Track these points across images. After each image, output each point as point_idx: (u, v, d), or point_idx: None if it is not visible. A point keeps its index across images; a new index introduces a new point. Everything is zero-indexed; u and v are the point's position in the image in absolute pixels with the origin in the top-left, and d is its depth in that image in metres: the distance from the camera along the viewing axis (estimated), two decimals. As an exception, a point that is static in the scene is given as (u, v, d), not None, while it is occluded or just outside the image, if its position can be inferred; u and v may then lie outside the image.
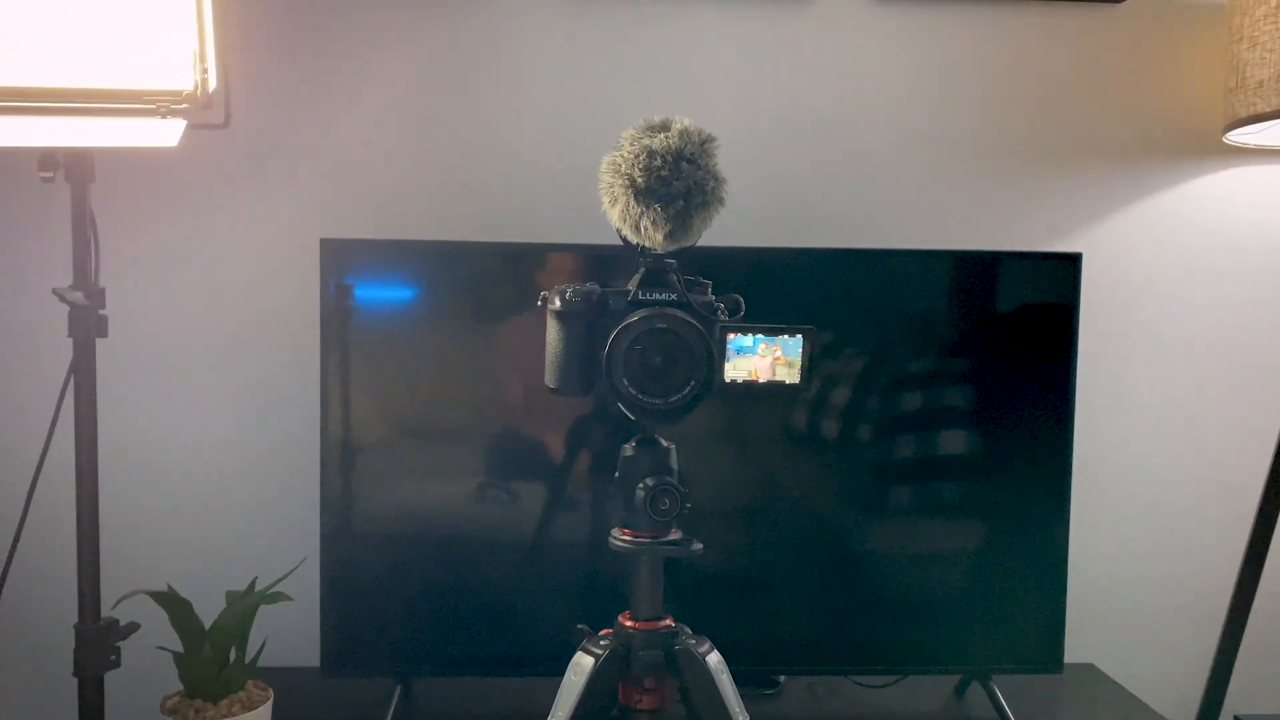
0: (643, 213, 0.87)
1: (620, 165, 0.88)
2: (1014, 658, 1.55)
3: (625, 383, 0.89)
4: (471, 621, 1.46)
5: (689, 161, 0.87)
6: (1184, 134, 1.74)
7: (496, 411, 1.48)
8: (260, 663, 1.40)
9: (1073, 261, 1.52)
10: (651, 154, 0.86)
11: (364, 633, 1.47)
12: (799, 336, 0.96)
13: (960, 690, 1.63)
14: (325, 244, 1.43)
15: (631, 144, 0.89)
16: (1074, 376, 1.52)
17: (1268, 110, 1.49)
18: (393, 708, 1.47)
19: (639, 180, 0.87)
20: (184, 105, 1.01)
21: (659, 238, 0.89)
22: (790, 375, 0.97)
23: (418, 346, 1.45)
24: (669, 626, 0.97)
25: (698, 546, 0.95)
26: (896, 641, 1.53)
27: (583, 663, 0.95)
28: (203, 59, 1.02)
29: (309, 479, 1.51)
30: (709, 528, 1.35)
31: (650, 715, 0.96)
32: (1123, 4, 1.72)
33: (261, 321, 1.65)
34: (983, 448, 1.53)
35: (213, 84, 1.01)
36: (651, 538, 0.95)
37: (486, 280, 1.46)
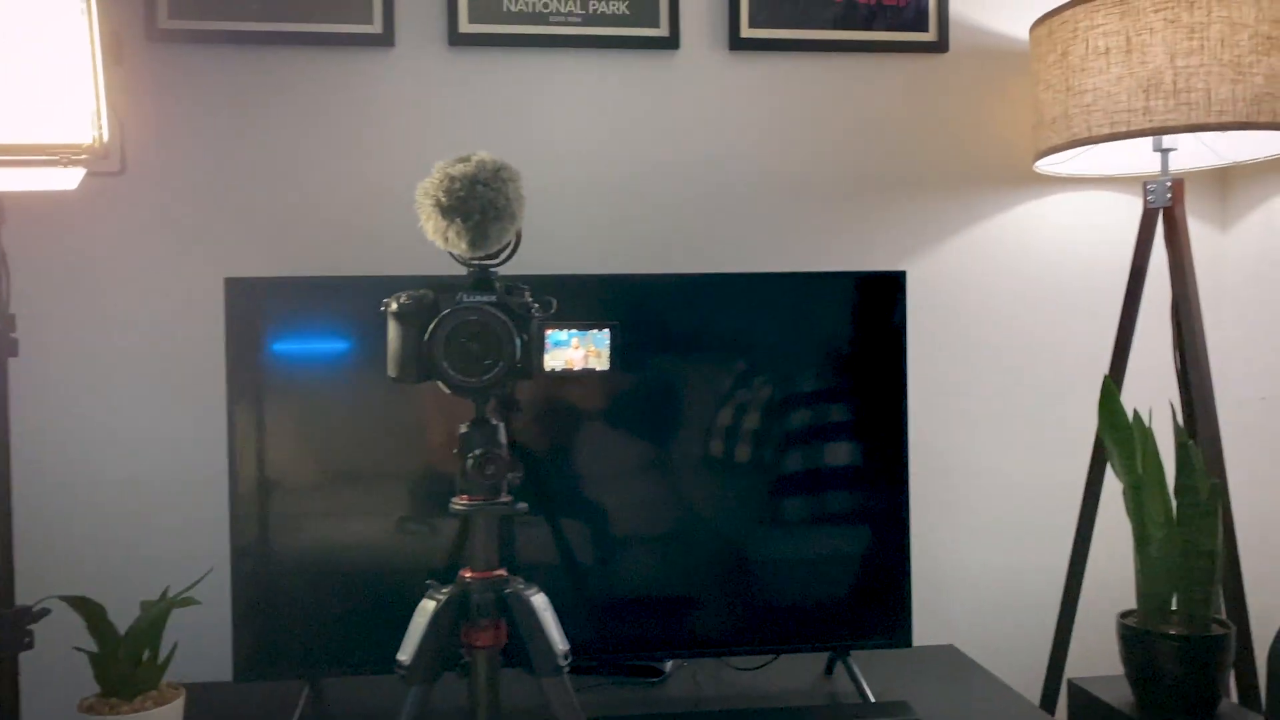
0: (448, 226, 1.07)
1: (429, 189, 1.09)
2: (868, 635, 1.71)
3: (445, 365, 1.07)
4: (376, 622, 1.58)
5: (483, 184, 1.07)
6: (1002, 166, 1.97)
7: (394, 432, 1.61)
8: (176, 676, 1.52)
9: (898, 279, 1.71)
10: (452, 179, 1.07)
11: (273, 637, 1.58)
12: (606, 330, 1.15)
13: (828, 670, 1.78)
14: (230, 282, 1.58)
15: (438, 172, 1.09)
16: (905, 384, 1.69)
17: (1060, 143, 1.71)
18: (300, 708, 1.58)
19: (442, 200, 1.07)
20: (83, 156, 1.18)
21: (463, 246, 1.08)
22: (600, 363, 1.16)
23: (320, 376, 1.59)
24: (501, 575, 1.14)
25: (522, 506, 1.12)
26: (767, 627, 1.68)
27: (426, 606, 1.11)
28: (99, 116, 1.20)
29: (219, 496, 1.66)
30: (615, 548, 1.53)
31: (488, 651, 1.12)
32: (947, 54, 1.95)
33: (166, 346, 1.78)
34: (828, 454, 1.69)
35: (107, 137, 1.19)
36: (484, 499, 1.12)
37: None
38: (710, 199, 1.90)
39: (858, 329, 1.69)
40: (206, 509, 1.76)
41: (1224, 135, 1.72)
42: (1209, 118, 1.56)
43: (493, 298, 1.11)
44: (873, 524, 1.70)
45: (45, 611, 1.25)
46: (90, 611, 1.46)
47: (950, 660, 1.84)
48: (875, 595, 1.70)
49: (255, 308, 1.56)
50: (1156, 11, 1.58)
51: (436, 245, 1.10)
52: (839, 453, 1.69)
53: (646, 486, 1.66)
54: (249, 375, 1.56)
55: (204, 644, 1.70)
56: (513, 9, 1.84)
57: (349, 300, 1.59)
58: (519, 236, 1.15)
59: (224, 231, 1.80)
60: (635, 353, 1.59)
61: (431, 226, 1.08)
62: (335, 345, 1.59)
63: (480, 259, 1.12)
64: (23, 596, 1.32)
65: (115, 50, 1.17)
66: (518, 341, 1.09)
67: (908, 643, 1.70)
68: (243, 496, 1.56)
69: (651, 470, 1.66)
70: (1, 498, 1.20)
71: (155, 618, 1.51)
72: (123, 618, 1.48)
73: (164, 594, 1.55)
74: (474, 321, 1.08)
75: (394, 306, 1.11)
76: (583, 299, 1.60)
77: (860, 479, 1.69)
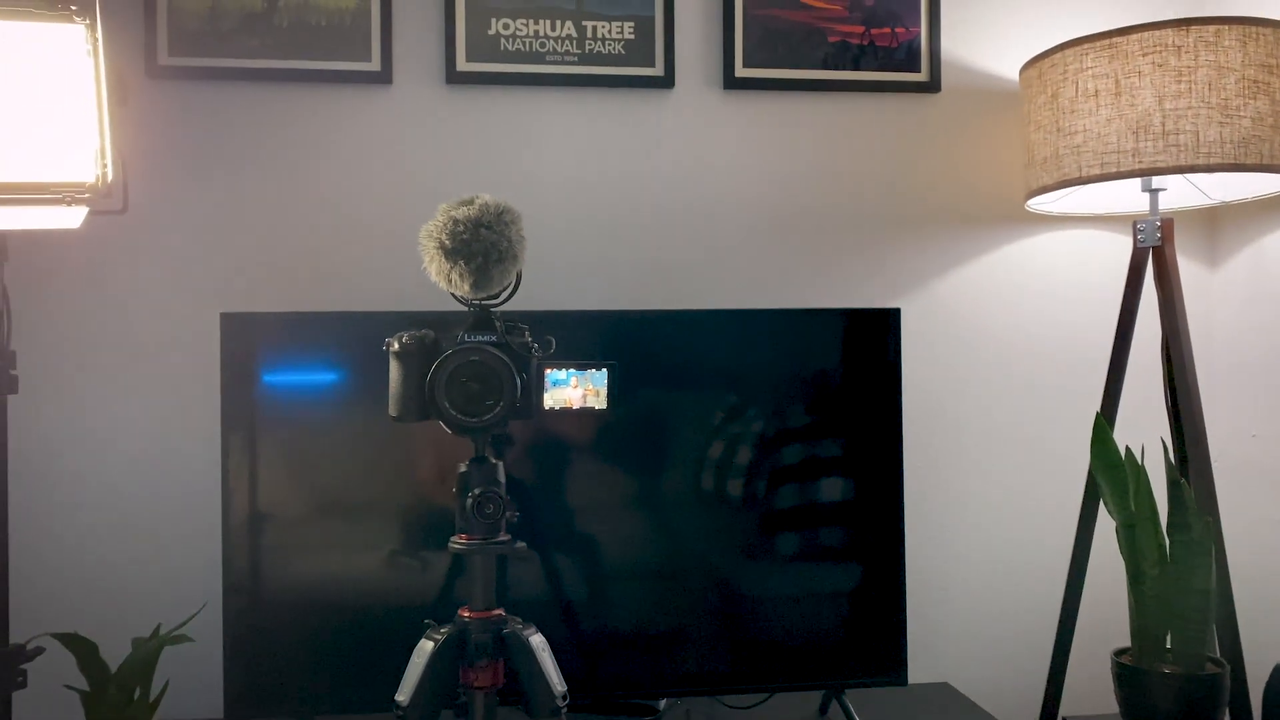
0: (451, 268, 1.08)
1: (433, 231, 1.10)
2: (864, 673, 1.71)
3: (446, 404, 1.08)
4: (369, 660, 1.57)
5: (486, 227, 1.08)
6: (994, 204, 1.99)
7: (387, 467, 1.61)
8: (167, 715, 1.52)
9: (893, 315, 1.73)
10: (455, 222, 1.08)
11: (266, 675, 1.57)
12: (604, 370, 1.16)
13: (823, 709, 1.77)
14: (225, 317, 1.59)
15: (442, 215, 1.10)
16: (900, 420, 1.71)
17: (1051, 183, 1.74)
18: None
19: (446, 242, 1.08)
20: (86, 195, 1.19)
21: (466, 288, 1.09)
22: (598, 402, 1.16)
23: (315, 411, 1.60)
24: (499, 615, 1.14)
25: (520, 545, 1.12)
26: (762, 665, 1.68)
27: (425, 647, 1.11)
28: (103, 155, 1.21)
29: (211, 533, 1.65)
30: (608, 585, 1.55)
31: (486, 691, 1.12)
32: (939, 94, 1.98)
33: (164, 383, 1.78)
34: (825, 491, 1.70)
35: (110, 176, 1.20)
36: (482, 539, 1.12)
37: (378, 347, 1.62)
38: (705, 236, 1.91)
39: (853, 365, 1.71)
40: (200, 544, 1.76)
41: (1212, 176, 1.75)
42: (1198, 160, 1.58)
43: (493, 337, 1.12)
44: (868, 561, 1.70)
45: (39, 650, 1.25)
46: (82, 649, 1.45)
47: (945, 698, 1.84)
48: (871, 633, 1.70)
49: (251, 343, 1.57)
50: (1145, 55, 1.61)
51: (440, 285, 1.10)
52: (835, 489, 1.70)
53: (640, 522, 1.66)
54: (243, 410, 1.57)
55: (196, 681, 1.68)
56: (510, 47, 1.86)
57: (344, 335, 1.60)
58: (519, 276, 1.16)
59: (221, 266, 1.80)
60: (631, 388, 1.59)
61: (435, 268, 1.09)
62: (329, 380, 1.59)
63: (481, 299, 1.12)
64: (15, 632, 1.31)
65: (120, 91, 1.18)
66: (518, 381, 1.10)
67: (903, 681, 1.71)
68: (235, 532, 1.56)
69: (645, 506, 1.66)
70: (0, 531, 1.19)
71: (147, 655, 1.50)
72: (115, 654, 1.47)
73: (156, 631, 1.54)
74: (475, 362, 1.09)
75: (395, 346, 1.12)
76: (578, 335, 1.61)
77: (856, 516, 1.70)
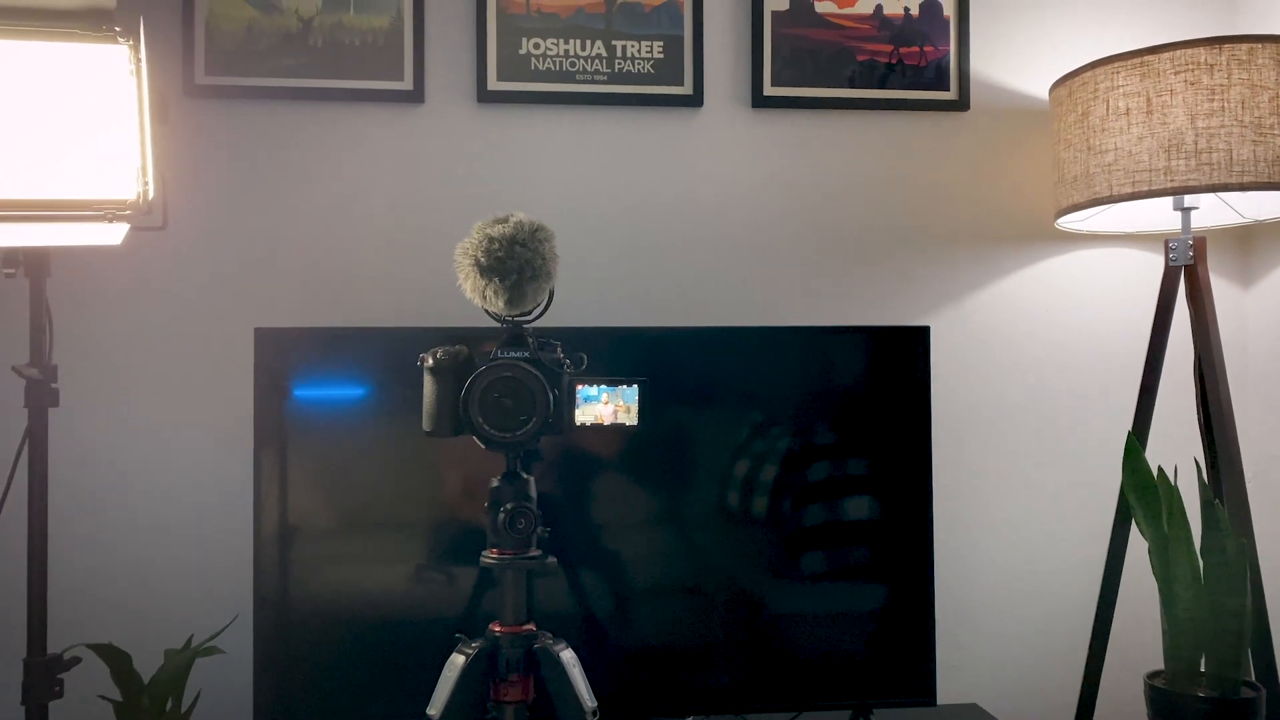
0: (486, 285, 1.10)
1: (469, 249, 1.11)
2: (892, 693, 1.70)
3: (480, 420, 1.09)
4: (398, 673, 1.58)
5: (521, 245, 1.09)
6: (1024, 222, 1.99)
7: (418, 481, 1.62)
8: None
9: (923, 333, 1.72)
10: (491, 240, 1.09)
11: (295, 687, 1.58)
12: (635, 386, 1.17)
13: (851, 729, 1.76)
14: (259, 332, 1.61)
15: (478, 233, 1.12)
16: (929, 438, 1.70)
17: (1082, 201, 1.73)
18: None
19: (482, 260, 1.09)
20: (127, 212, 1.21)
21: (500, 305, 1.11)
22: (629, 419, 1.17)
23: (346, 424, 1.61)
24: (530, 630, 1.14)
25: (551, 560, 1.13)
26: (790, 684, 1.67)
27: (456, 661, 1.12)
28: (144, 173, 1.23)
29: (244, 547, 1.67)
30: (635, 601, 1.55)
31: (516, 706, 1.12)
32: (968, 112, 1.98)
33: (200, 399, 1.80)
34: (853, 509, 1.69)
35: (151, 194, 1.22)
36: (514, 554, 1.13)
37: (414, 363, 1.63)
38: (734, 254, 1.92)
39: (883, 383, 1.70)
40: (233, 557, 1.77)
41: (1245, 194, 1.74)
42: (1230, 178, 1.58)
43: (526, 354, 1.13)
44: (897, 580, 1.69)
45: (76, 660, 1.26)
46: (116, 660, 1.47)
47: (972, 717, 1.82)
48: (899, 653, 1.69)
49: (284, 358, 1.58)
50: (1177, 74, 1.60)
51: (474, 302, 1.12)
52: (864, 508, 1.69)
53: (667, 539, 1.66)
54: (275, 424, 1.58)
55: (228, 693, 1.70)
56: (540, 67, 1.88)
57: (374, 351, 1.61)
58: (552, 293, 1.17)
59: (256, 281, 1.82)
60: (660, 405, 1.60)
61: (470, 285, 1.11)
62: (361, 395, 1.61)
63: (515, 315, 1.13)
64: (51, 640, 1.33)
65: (161, 110, 1.20)
66: (550, 397, 1.11)
67: (931, 701, 1.69)
68: (266, 545, 1.57)
69: (672, 523, 1.66)
70: (38, 548, 1.21)
71: (179, 667, 1.52)
72: (148, 665, 1.48)
73: (188, 642, 1.55)
74: (509, 378, 1.10)
75: (430, 362, 1.13)
76: (606, 351, 1.62)
77: (885, 535, 1.69)
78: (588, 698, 1.12)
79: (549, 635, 1.15)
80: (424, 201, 1.86)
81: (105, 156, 1.21)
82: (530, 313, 1.15)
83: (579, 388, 1.15)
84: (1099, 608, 1.77)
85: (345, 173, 1.84)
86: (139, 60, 1.20)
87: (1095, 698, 1.77)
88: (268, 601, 1.57)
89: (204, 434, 1.79)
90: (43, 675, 1.20)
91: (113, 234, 1.22)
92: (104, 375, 1.78)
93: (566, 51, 1.88)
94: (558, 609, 1.60)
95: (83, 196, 1.20)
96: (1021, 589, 1.96)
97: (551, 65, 1.88)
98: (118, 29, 1.20)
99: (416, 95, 1.84)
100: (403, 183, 1.86)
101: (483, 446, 1.13)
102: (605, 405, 1.16)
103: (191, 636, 1.57)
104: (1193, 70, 1.59)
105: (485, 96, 1.87)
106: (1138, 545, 1.69)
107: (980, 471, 1.96)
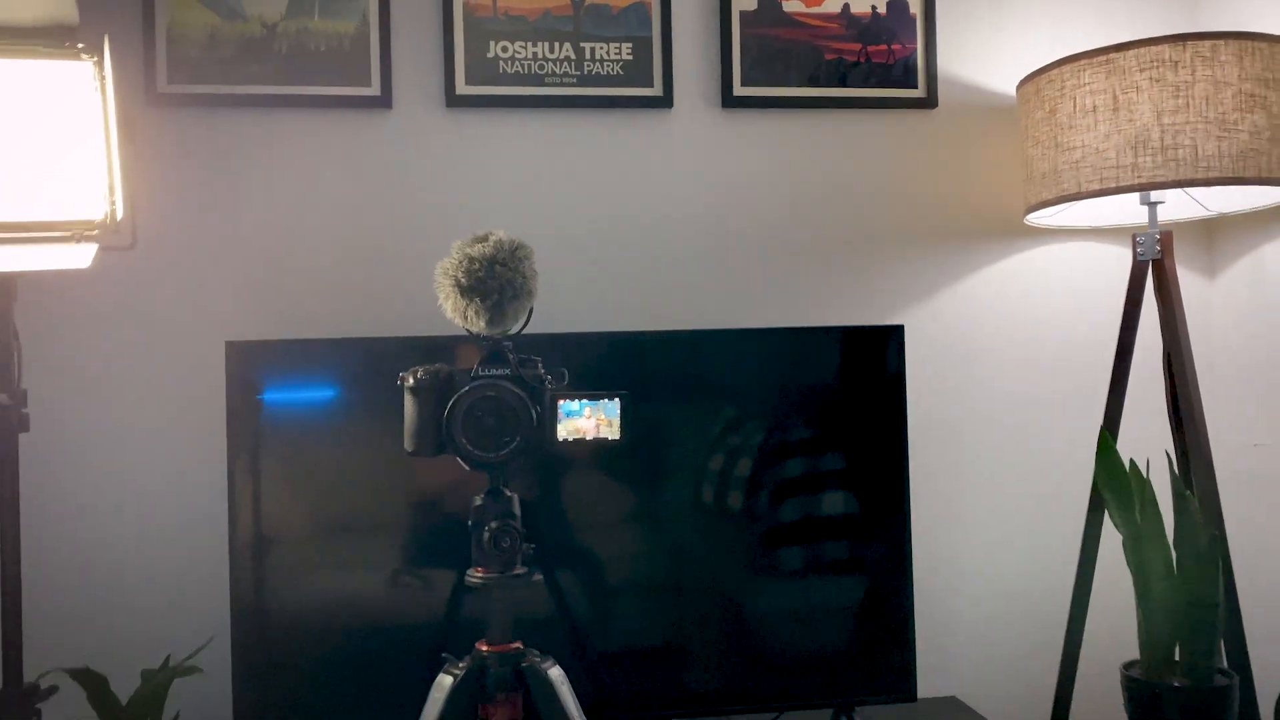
0: (467, 305, 1.09)
1: (448, 269, 1.10)
2: (873, 690, 1.71)
3: (464, 440, 1.08)
4: (379, 691, 1.57)
5: (501, 265, 1.09)
6: (994, 218, 2.00)
7: (393, 493, 1.61)
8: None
9: (897, 332, 1.73)
10: (471, 260, 1.08)
11: (275, 706, 1.56)
12: (616, 400, 1.16)
13: (833, 726, 1.78)
14: (230, 345, 1.58)
15: (457, 252, 1.11)
16: (905, 435, 1.71)
17: (1050, 198, 1.75)
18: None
19: (462, 280, 1.08)
20: (95, 232, 1.19)
21: (481, 324, 1.10)
22: (611, 432, 1.16)
23: (319, 437, 1.60)
24: (518, 648, 1.14)
25: (537, 578, 1.12)
26: (771, 684, 1.68)
27: (443, 682, 1.11)
28: (112, 192, 1.20)
29: (219, 564, 1.65)
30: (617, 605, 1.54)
31: (504, 726, 1.12)
32: (936, 109, 1.99)
33: (172, 417, 1.77)
34: (831, 507, 1.70)
35: (120, 213, 1.20)
36: (499, 572, 1.12)
37: (385, 373, 1.62)
38: (705, 255, 1.92)
39: (859, 382, 1.71)
40: (209, 575, 1.75)
41: (1211, 189, 1.76)
42: (1196, 174, 1.60)
43: (508, 371, 1.12)
44: (876, 578, 1.71)
45: (53, 689, 1.24)
46: (93, 684, 1.45)
47: (953, 713, 1.84)
48: (879, 650, 1.71)
49: (255, 371, 1.57)
50: (1142, 71, 1.62)
51: (455, 322, 1.11)
52: (842, 506, 1.70)
53: (647, 543, 1.66)
54: (249, 437, 1.56)
55: (206, 712, 1.68)
56: (509, 70, 1.87)
57: (346, 361, 1.60)
58: (531, 310, 1.16)
59: (225, 294, 1.80)
60: (638, 409, 1.59)
61: (451, 305, 1.10)
62: (333, 406, 1.59)
63: (496, 334, 1.13)
64: (26, 662, 1.30)
65: (128, 128, 1.17)
66: (533, 414, 1.10)
67: (912, 696, 1.71)
68: (242, 562, 1.56)
69: (652, 527, 1.66)
70: (12, 574, 1.19)
71: (156, 688, 1.50)
72: (125, 686, 1.46)
73: (165, 662, 1.53)
74: (492, 398, 1.09)
75: (410, 382, 1.12)
76: (579, 356, 1.61)
77: (864, 533, 1.71)
78: (576, 716, 1.12)
79: (536, 653, 1.15)
80: (394, 208, 1.84)
81: (71, 176, 1.18)
82: (510, 329, 1.14)
83: (560, 402, 1.14)
84: (1074, 600, 1.79)
85: (314, 180, 1.82)
86: (104, 77, 1.17)
87: (1072, 688, 1.79)
88: (245, 619, 1.55)
89: (178, 451, 1.77)
90: (21, 705, 1.18)
91: (81, 255, 1.20)
92: (75, 396, 1.75)
93: (535, 54, 1.87)
94: (537, 614, 1.60)
95: (48, 218, 1.17)
96: (999, 583, 1.98)
97: (520, 68, 1.87)
98: (81, 45, 1.17)
99: (384, 100, 1.82)
100: (372, 189, 1.84)
101: (466, 467, 1.12)
102: (588, 419, 1.16)
103: (169, 656, 1.54)
104: (1158, 67, 1.61)
105: (454, 101, 1.85)
106: (1112, 538, 1.71)
107: (955, 467, 1.97)
